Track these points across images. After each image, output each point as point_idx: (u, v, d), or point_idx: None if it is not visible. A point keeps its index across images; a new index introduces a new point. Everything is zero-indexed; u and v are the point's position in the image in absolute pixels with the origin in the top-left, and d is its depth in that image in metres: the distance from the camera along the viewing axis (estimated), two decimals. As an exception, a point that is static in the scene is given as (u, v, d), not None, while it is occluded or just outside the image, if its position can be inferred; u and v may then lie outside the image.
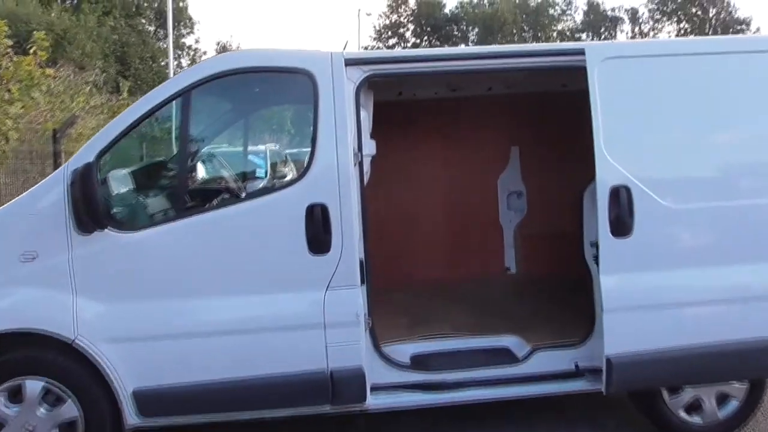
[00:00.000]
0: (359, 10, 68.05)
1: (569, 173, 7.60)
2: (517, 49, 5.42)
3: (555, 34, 61.06)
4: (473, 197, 7.94)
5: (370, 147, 5.08)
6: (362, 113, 4.69)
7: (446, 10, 62.73)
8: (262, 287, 4.54)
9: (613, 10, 67.98)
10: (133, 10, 41.77)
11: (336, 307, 4.47)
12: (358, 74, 4.64)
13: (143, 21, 42.74)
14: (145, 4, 42.82)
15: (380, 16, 63.20)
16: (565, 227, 7.07)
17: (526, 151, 7.96)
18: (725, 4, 58.86)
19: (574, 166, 7.55)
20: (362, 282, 4.66)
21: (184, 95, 4.46)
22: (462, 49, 6.95)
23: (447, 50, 6.41)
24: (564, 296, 6.35)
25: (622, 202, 4.62)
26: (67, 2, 39.07)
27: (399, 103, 7.35)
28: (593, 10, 62.24)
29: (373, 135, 5.28)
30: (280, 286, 4.55)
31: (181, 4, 44.81)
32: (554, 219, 7.66)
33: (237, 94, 5.34)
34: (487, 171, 7.94)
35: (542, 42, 50.92)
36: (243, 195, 5.11)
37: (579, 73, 4.75)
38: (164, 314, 4.32)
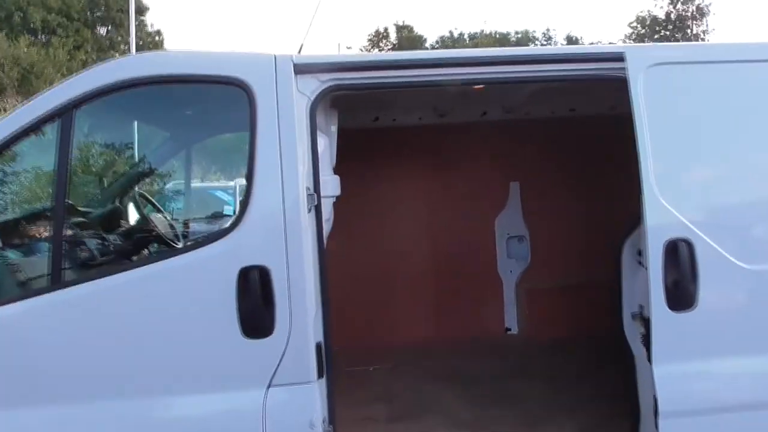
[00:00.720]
0: (339, 44, 67.64)
1: (583, 214, 6.51)
2: (530, 52, 4.12)
3: (536, 68, 60.88)
4: (466, 244, 6.62)
5: (332, 185, 3.75)
6: (321, 139, 3.37)
7: (427, 44, 62.65)
8: (173, 387, 3.14)
9: (592, 43, 68.41)
10: (107, 44, 40.76)
11: (282, 414, 3.17)
12: (314, 85, 3.34)
13: (116, 55, 41.61)
14: (119, 38, 41.78)
15: (361, 50, 62.84)
16: (579, 280, 5.80)
17: (529, 188, 6.67)
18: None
19: (589, 206, 6.44)
20: (320, 375, 3.28)
21: (61, 117, 3.09)
22: (452, 53, 5.72)
23: (438, 54, 4.69)
24: (585, 373, 4.98)
25: (682, 261, 3.30)
26: (38, 36, 38.02)
27: (375, 131, 6.05)
28: (573, 44, 62.44)
29: (339, 169, 3.97)
30: (200, 384, 3.16)
31: (157, 38, 43.88)
32: (565, 269, 6.38)
33: (141, 114, 3.97)
34: (482, 212, 6.65)
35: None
36: (146, 255, 3.68)
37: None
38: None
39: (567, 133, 6.44)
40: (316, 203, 3.36)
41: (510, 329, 6.64)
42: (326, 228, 3.56)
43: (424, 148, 6.55)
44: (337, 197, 3.87)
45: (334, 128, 4.03)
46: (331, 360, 3.35)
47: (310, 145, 3.35)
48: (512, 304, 6.64)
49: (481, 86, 3.99)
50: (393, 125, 6.13)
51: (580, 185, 6.50)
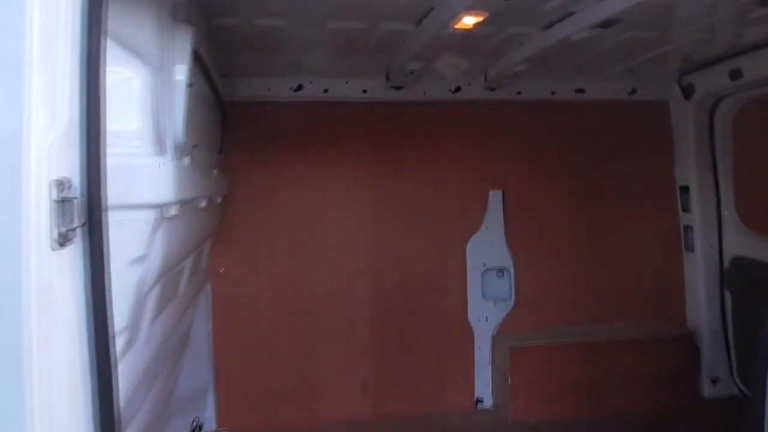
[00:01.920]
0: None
1: (595, 235, 4.73)
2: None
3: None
4: (421, 278, 4.61)
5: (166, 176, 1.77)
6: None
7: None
8: None
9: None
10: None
11: None
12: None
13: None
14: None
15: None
16: (585, 335, 3.90)
17: (516, 198, 4.70)
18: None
19: (604, 224, 4.67)
20: None
21: None
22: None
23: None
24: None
25: None
26: None
27: (290, 107, 4.10)
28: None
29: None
30: None
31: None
32: (564, 317, 4.46)
33: None
34: (445, 232, 4.64)
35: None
36: None
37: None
38: None
39: (572, 119, 4.57)
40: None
41: (482, 401, 4.62)
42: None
43: (365, 135, 4.53)
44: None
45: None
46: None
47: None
48: (486, 366, 4.64)
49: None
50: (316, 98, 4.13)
51: (590, 194, 4.61)
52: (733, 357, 4.64)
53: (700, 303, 4.74)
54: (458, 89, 4.45)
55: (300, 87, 4.30)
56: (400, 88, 4.38)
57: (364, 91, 4.37)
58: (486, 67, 4.20)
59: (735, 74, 4.07)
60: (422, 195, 4.58)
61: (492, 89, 4.45)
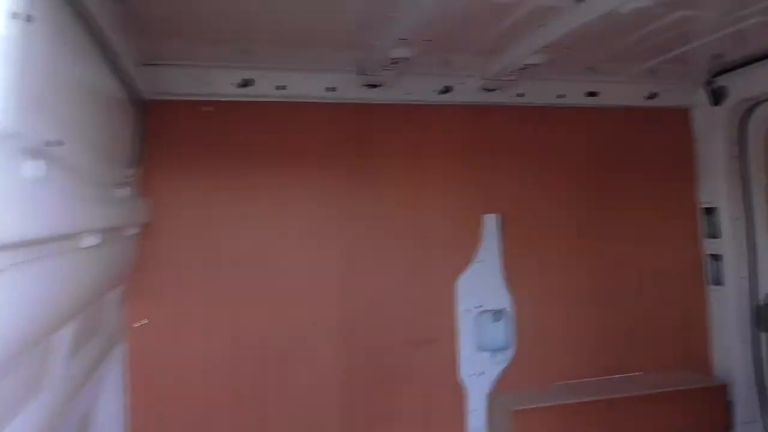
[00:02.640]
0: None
1: (616, 269, 3.93)
2: None
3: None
4: (402, 326, 3.66)
5: None
6: None
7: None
8: None
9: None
10: None
11: None
12: None
13: None
14: None
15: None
16: (599, 390, 3.17)
17: (517, 223, 3.83)
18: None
19: (627, 255, 3.93)
20: None
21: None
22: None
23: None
24: None
25: None
26: None
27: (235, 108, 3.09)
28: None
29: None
30: None
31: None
32: (577, 371, 3.62)
33: None
34: (433, 267, 3.71)
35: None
36: None
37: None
38: None
39: (583, 128, 3.78)
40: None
41: (476, 479, 3.71)
42: None
43: (331, 146, 3.58)
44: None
45: None
46: None
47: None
48: (482, 433, 3.73)
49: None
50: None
51: (605, 219, 3.84)
52: (771, 411, 3.91)
53: (731, 347, 3.99)
54: (448, 89, 3.57)
55: (248, 82, 3.32)
56: (376, 86, 3.46)
57: (331, 89, 3.44)
58: (486, 60, 3.34)
59: None
60: (402, 222, 3.65)
61: (490, 90, 3.59)
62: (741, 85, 3.72)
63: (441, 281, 3.70)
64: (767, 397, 3.93)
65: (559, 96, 3.74)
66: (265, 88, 3.34)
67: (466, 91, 3.60)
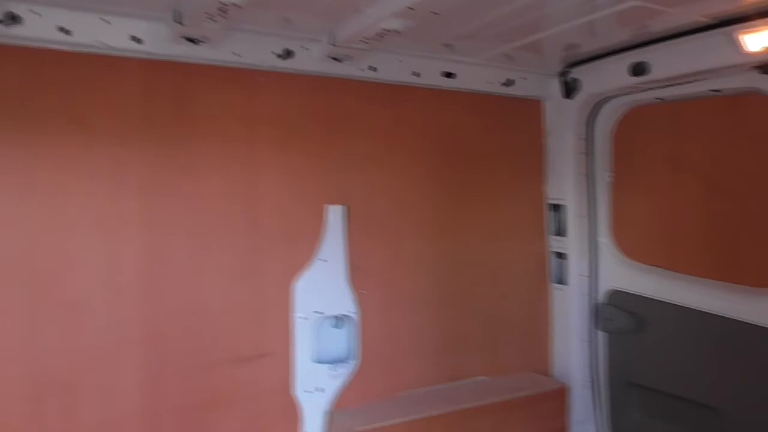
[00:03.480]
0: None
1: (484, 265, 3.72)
2: None
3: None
4: (225, 341, 3.03)
5: None
6: None
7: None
8: None
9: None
10: None
11: None
12: None
13: None
14: None
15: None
16: (446, 399, 3.47)
17: (362, 217, 3.35)
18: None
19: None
20: None
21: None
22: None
23: None
24: None
25: None
26: None
27: None
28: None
29: None
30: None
31: None
32: (417, 376, 3.32)
33: None
34: (264, 267, 3.11)
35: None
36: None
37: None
38: None
39: (438, 112, 3.45)
40: None
41: None
42: None
43: (133, 116, 2.81)
44: None
45: None
46: None
47: None
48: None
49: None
50: None
51: (457, 212, 3.56)
52: (606, 408, 3.90)
53: (571, 347, 3.92)
54: (289, 53, 2.97)
55: (14, 18, 2.44)
56: (196, 42, 2.75)
57: (137, 40, 2.66)
58: (335, 23, 2.79)
59: (638, 69, 3.24)
60: (226, 213, 2.99)
61: (337, 59, 3.05)
62: (592, 79, 3.60)
63: (274, 284, 3.10)
64: (601, 395, 3.92)
65: (414, 73, 3.32)
66: (41, 28, 2.48)
67: (310, 59, 3.03)
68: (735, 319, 3.17)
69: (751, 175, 3.16)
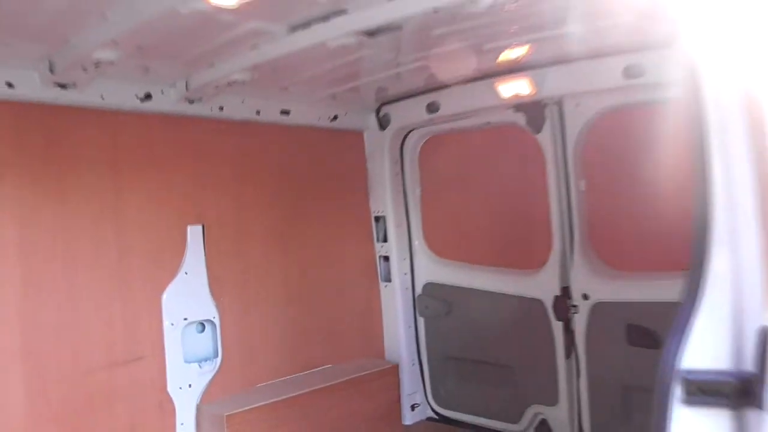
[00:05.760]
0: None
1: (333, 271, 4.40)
2: None
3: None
4: (102, 348, 3.42)
5: None
6: None
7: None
8: None
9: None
10: None
11: None
12: None
13: None
14: None
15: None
16: (298, 386, 3.73)
17: (218, 234, 3.92)
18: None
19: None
20: None
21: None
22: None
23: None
24: None
25: None
26: None
27: None
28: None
29: None
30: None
31: None
32: (273, 369, 3.93)
33: None
34: (136, 281, 3.56)
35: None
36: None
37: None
38: None
39: (277, 144, 4.15)
40: None
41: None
42: None
43: (12, 152, 3.15)
44: None
45: None
46: None
47: None
48: (192, 447, 3.69)
49: None
50: None
51: (297, 227, 4.27)
52: (428, 381, 4.79)
53: (399, 333, 4.77)
54: (148, 96, 3.47)
55: None
56: (66, 87, 3.16)
57: (10, 85, 3.01)
58: (191, 72, 3.36)
59: (432, 107, 4.23)
60: (95, 237, 3.39)
61: (190, 101, 3.61)
62: (399, 114, 4.53)
63: (145, 296, 3.55)
64: (423, 371, 4.82)
65: (256, 112, 3.97)
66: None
67: (167, 101, 3.55)
68: (512, 295, 4.24)
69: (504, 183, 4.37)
